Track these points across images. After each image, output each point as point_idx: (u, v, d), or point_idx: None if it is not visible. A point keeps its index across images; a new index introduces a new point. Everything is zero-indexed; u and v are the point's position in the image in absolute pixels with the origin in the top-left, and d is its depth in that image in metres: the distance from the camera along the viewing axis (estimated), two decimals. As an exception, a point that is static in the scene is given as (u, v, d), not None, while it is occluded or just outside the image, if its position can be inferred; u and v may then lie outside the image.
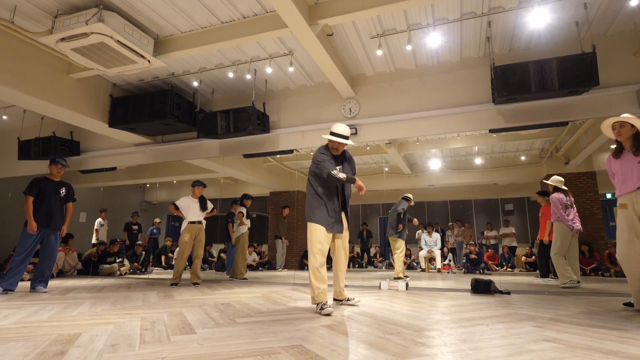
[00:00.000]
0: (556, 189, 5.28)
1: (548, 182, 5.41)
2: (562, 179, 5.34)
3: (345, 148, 3.35)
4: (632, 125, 3.03)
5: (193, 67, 5.94)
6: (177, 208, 5.49)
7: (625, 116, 3.04)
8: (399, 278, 6.26)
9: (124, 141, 7.27)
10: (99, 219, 8.74)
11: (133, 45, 4.61)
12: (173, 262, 10.17)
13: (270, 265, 9.96)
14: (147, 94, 6.28)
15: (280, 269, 8.70)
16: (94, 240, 8.39)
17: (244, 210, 6.67)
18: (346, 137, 3.21)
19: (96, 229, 8.63)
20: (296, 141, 6.24)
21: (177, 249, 5.45)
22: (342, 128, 3.23)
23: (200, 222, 5.54)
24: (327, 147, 3.27)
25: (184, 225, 5.45)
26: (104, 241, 8.09)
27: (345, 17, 4.35)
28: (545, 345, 1.87)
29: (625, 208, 2.99)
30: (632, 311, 3.00)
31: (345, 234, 3.30)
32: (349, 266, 9.97)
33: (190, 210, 5.48)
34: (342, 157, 3.35)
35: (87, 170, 7.91)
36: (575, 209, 5.24)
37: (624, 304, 3.16)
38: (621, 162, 3.07)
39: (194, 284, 5.40)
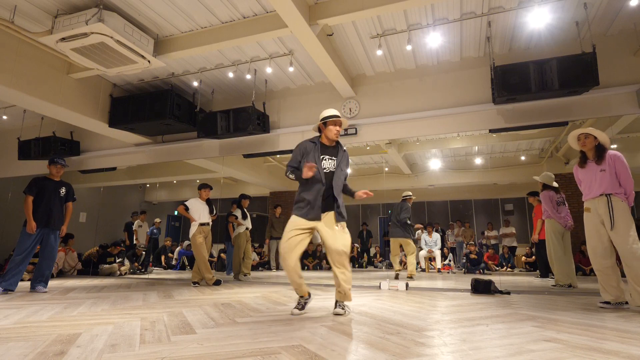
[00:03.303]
0: (546, 187, 5.24)
1: (537, 178, 5.35)
2: (552, 176, 5.27)
3: (338, 140, 3.06)
4: (595, 137, 3.34)
5: (193, 67, 5.94)
6: (187, 209, 5.51)
7: (590, 129, 3.35)
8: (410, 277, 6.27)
9: (124, 141, 7.27)
10: (138, 221, 8.93)
11: (133, 45, 4.60)
12: (173, 262, 10.19)
13: (270, 265, 9.95)
14: (147, 94, 6.28)
15: (275, 270, 8.64)
16: (134, 241, 8.67)
17: (238, 214, 6.66)
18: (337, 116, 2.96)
19: (135, 230, 8.81)
20: (296, 141, 6.15)
21: (194, 251, 5.48)
22: (331, 111, 3.00)
23: (209, 224, 5.64)
24: (317, 138, 3.06)
25: (194, 227, 5.46)
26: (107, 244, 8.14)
27: (345, 17, 4.35)
28: (545, 345, 1.87)
29: (589, 211, 3.32)
30: (610, 308, 3.13)
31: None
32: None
33: (200, 212, 5.56)
34: (337, 148, 3.02)
35: (87, 170, 7.91)
36: (567, 206, 5.21)
37: (602, 302, 3.25)
38: (586, 171, 3.38)
39: (194, 283, 5.40)
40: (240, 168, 8.23)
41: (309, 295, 3.00)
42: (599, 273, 3.25)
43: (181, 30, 5.05)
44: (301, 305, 2.91)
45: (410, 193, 6.86)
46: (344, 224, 2.98)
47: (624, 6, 4.41)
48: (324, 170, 2.95)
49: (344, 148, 3.10)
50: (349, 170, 3.14)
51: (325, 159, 2.98)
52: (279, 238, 8.36)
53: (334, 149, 3.02)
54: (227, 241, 7.30)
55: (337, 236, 2.86)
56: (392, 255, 6.68)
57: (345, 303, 2.93)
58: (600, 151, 3.31)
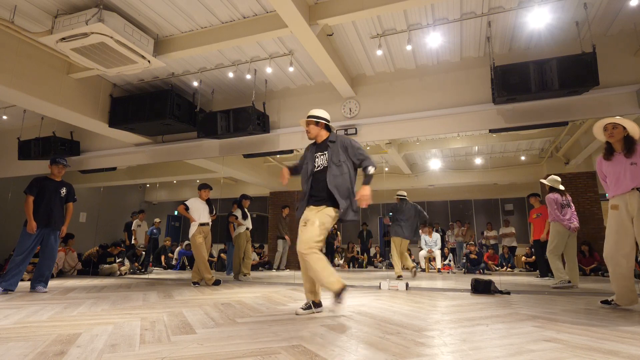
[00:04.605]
0: (552, 189, 5.27)
1: (544, 181, 5.38)
2: (559, 179, 5.30)
3: (333, 132, 3.20)
4: (624, 128, 3.08)
5: (193, 67, 5.93)
6: (187, 209, 5.52)
7: (619, 118, 3.11)
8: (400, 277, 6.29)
9: (124, 141, 7.27)
10: (136, 220, 8.89)
11: (133, 45, 4.60)
12: (173, 262, 10.18)
13: (270, 265, 9.95)
14: (147, 94, 6.28)
15: (276, 269, 8.62)
16: (132, 241, 8.67)
17: (239, 214, 6.67)
18: (312, 117, 3.18)
19: (133, 230, 8.81)
20: (296, 141, 6.23)
21: (194, 251, 5.48)
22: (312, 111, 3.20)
23: (208, 224, 5.65)
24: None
25: (194, 227, 5.46)
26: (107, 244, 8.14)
27: (345, 17, 4.35)
28: (545, 345, 1.87)
29: (617, 209, 3.03)
30: (609, 308, 3.11)
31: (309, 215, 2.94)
32: (348, 265, 9.98)
33: (200, 212, 5.57)
34: (327, 143, 3.10)
35: (87, 170, 7.91)
36: (573, 208, 5.21)
37: (602, 302, 3.22)
38: (612, 164, 3.12)
39: (194, 283, 5.40)
40: (240, 168, 8.22)
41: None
42: (619, 276, 3.02)
43: (181, 30, 5.05)
44: (307, 305, 2.91)
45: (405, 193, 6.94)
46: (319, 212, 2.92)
47: (624, 6, 4.41)
48: (317, 169, 3.04)
49: (334, 139, 3.09)
50: (358, 159, 3.00)
51: (318, 157, 3.08)
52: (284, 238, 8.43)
53: (324, 145, 3.10)
54: (228, 241, 7.30)
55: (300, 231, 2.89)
56: (395, 257, 6.64)
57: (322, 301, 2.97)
58: (629, 143, 3.04)
